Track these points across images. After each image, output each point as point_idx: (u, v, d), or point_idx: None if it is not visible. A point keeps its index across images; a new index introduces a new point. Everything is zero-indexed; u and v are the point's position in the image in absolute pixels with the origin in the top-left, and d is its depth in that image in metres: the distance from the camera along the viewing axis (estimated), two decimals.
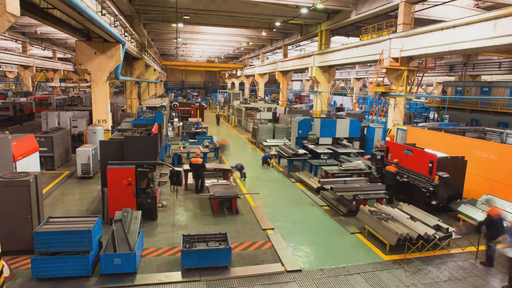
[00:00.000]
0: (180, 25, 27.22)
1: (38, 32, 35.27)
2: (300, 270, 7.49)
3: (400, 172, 11.79)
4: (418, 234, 8.39)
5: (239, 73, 55.84)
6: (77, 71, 54.00)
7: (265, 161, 16.98)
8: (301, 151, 15.86)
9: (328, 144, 16.46)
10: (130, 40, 20.64)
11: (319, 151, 15.52)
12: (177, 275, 7.15)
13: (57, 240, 6.81)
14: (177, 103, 31.79)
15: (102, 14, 12.99)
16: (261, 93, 45.20)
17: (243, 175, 14.41)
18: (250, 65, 51.45)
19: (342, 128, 16.59)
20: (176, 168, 9.75)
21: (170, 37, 37.35)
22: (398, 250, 8.34)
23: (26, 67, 40.73)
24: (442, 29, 15.03)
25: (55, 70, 49.84)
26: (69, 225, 7.27)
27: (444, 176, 10.51)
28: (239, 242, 8.74)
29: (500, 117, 23.16)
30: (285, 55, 35.84)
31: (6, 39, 36.14)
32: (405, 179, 11.68)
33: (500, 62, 27.50)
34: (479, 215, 9.78)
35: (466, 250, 8.64)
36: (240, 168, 14.39)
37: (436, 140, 13.47)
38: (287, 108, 30.83)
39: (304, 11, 21.31)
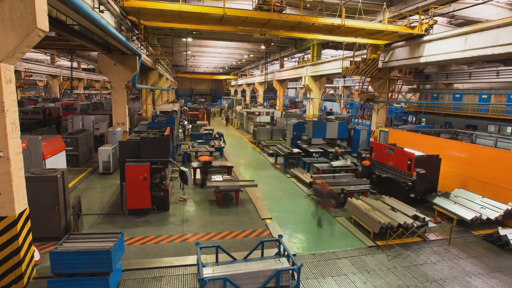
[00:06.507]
0: (189, 39, 27.21)
1: None
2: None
3: (372, 165, 11.99)
4: (398, 223, 8.40)
5: (233, 82, 58.51)
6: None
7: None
8: (296, 150, 15.84)
9: (319, 144, 16.45)
10: (146, 53, 20.61)
11: (311, 150, 15.52)
12: (185, 259, 7.16)
13: (75, 261, 5.42)
14: (186, 108, 31.74)
15: (120, 30, 12.97)
16: (260, 99, 45.08)
17: (223, 141, 18.90)
18: (251, 75, 51.31)
19: (332, 130, 16.58)
20: (182, 168, 9.72)
21: (180, 50, 37.29)
22: (381, 237, 8.35)
23: (54, 76, 40.69)
24: (419, 43, 15.01)
25: (79, 79, 49.73)
26: (88, 243, 5.81)
27: (421, 172, 10.53)
28: (241, 230, 8.74)
29: (470, 120, 23.20)
30: (282, 66, 35.79)
31: (36, 52, 36.05)
32: (387, 175, 11.69)
33: (471, 72, 27.43)
34: (452, 206, 9.81)
35: (439, 237, 8.65)
36: (221, 136, 19.04)
37: (414, 141, 13.46)
38: (283, 112, 30.77)
39: None
